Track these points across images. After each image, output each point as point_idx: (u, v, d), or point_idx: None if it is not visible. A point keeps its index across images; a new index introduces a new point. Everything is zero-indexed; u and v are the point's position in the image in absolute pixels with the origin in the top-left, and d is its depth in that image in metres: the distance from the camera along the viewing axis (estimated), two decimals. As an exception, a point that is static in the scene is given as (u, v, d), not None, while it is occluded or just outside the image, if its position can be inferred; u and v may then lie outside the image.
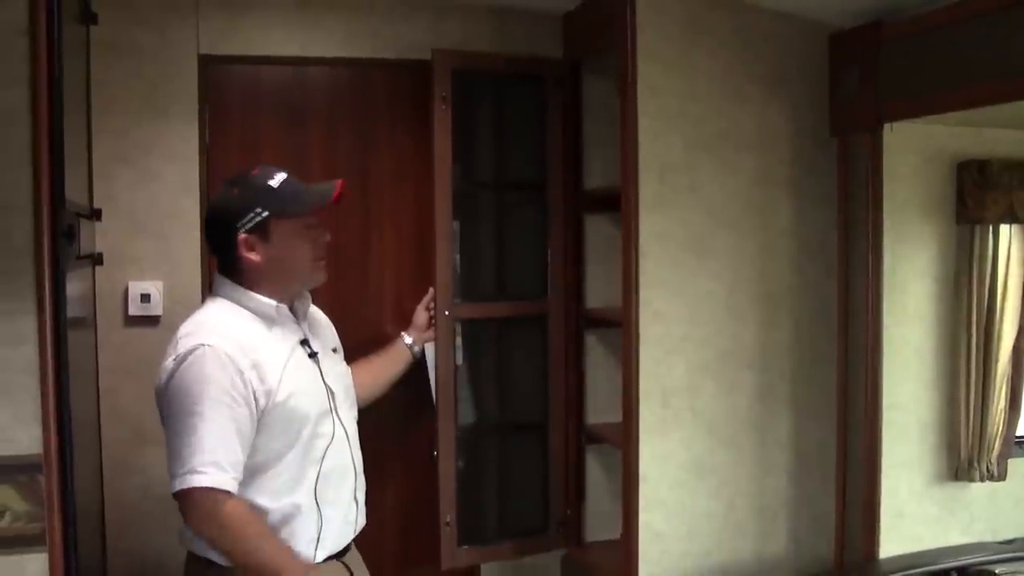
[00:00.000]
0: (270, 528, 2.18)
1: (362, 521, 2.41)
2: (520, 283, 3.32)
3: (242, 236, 2.25)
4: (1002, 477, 3.24)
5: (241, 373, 2.13)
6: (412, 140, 3.30)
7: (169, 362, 2.18)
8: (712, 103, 3.04)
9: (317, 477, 2.23)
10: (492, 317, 3.24)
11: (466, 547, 3.15)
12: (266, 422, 2.17)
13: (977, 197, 3.15)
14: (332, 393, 2.31)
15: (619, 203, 2.87)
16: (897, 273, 3.11)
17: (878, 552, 3.04)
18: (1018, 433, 3.33)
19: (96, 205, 2.93)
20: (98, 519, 2.98)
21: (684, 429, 3.04)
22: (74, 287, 2.27)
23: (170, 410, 2.15)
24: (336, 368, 2.42)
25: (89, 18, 2.76)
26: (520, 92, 3.29)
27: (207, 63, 3.12)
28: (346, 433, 2.34)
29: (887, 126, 2.96)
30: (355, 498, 2.35)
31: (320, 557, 2.25)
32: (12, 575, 1.94)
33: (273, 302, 2.26)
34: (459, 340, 3.12)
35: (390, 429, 3.23)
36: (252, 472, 2.18)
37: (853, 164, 3.09)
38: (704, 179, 3.03)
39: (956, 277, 3.22)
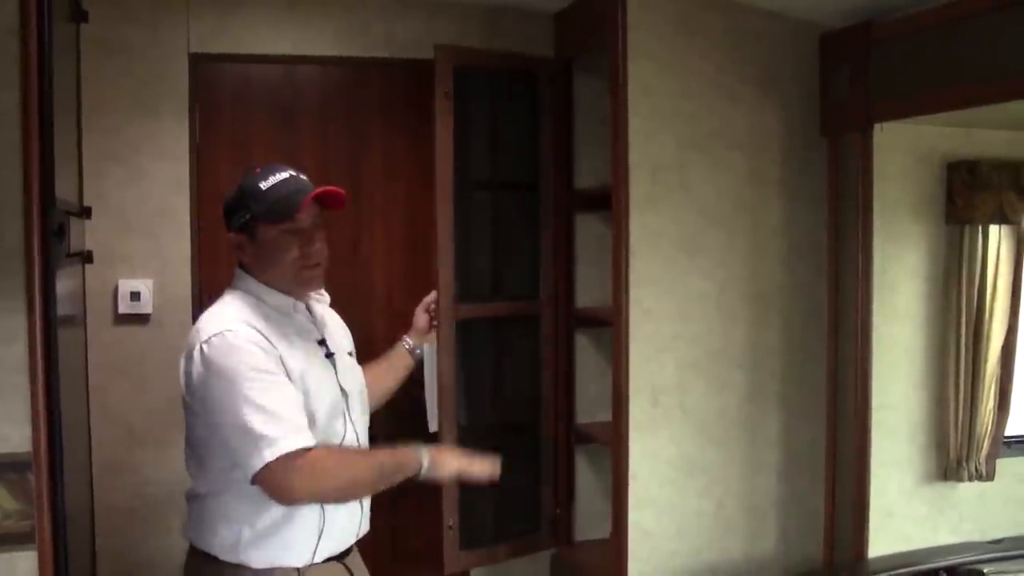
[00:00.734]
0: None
1: (366, 526, 2.34)
2: (513, 283, 3.32)
3: (231, 234, 2.23)
4: (991, 477, 3.26)
5: (267, 353, 2.07)
6: (404, 139, 3.30)
7: (194, 354, 2.09)
8: (704, 102, 3.04)
9: None
10: (486, 317, 3.23)
11: (465, 551, 3.14)
12: None
13: (967, 197, 3.16)
14: (346, 395, 2.27)
15: (610, 202, 2.87)
16: (887, 273, 3.12)
17: (867, 551, 3.06)
18: (1007, 433, 3.34)
19: (86, 203, 2.93)
20: (88, 517, 2.97)
21: (674, 428, 3.04)
22: (64, 285, 2.26)
23: (212, 400, 2.06)
24: (351, 371, 2.36)
25: (79, 16, 2.76)
26: (515, 90, 3.29)
27: (198, 61, 3.12)
28: (356, 436, 2.29)
29: (877, 126, 2.96)
30: (360, 503, 2.29)
31: (319, 558, 2.20)
32: (2, 573, 1.93)
33: (290, 299, 2.23)
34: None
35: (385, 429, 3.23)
36: None
37: (843, 164, 3.10)
38: (695, 178, 3.04)
39: (946, 277, 3.24)
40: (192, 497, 2.26)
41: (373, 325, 3.25)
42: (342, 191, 2.20)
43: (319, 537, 2.17)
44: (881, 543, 3.10)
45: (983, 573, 2.98)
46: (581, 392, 3.40)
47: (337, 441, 2.20)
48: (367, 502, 2.32)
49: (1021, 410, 3.53)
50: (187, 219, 3.12)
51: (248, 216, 2.16)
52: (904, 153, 3.14)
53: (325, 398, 2.18)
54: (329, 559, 2.23)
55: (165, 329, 3.11)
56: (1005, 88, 2.51)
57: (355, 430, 2.27)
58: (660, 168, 2.98)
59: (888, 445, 3.16)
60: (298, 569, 2.18)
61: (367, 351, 2.91)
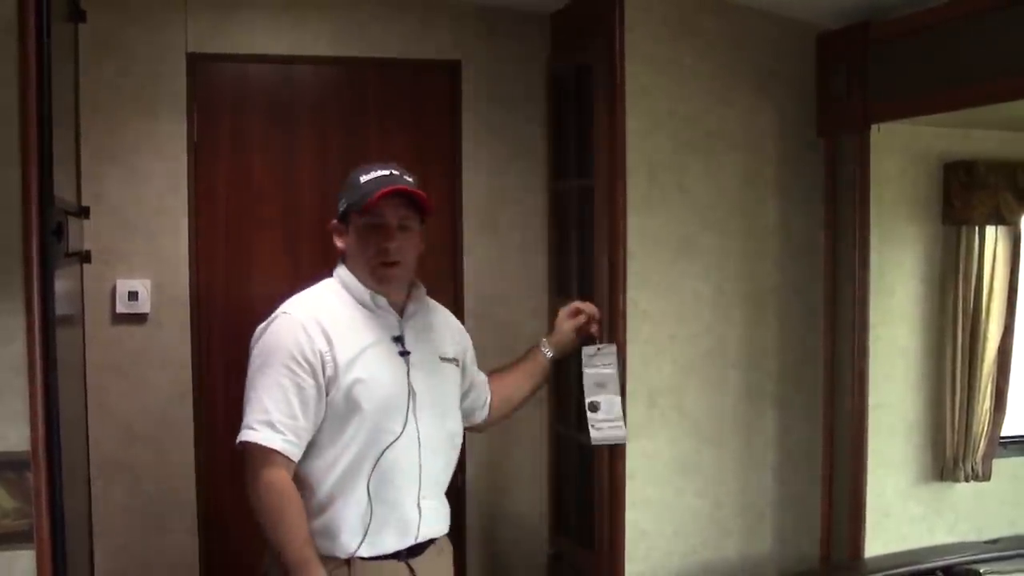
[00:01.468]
0: (304, 516, 2.17)
1: (429, 532, 2.31)
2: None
3: (332, 222, 2.35)
4: (987, 477, 3.27)
5: (311, 341, 2.16)
6: (401, 139, 3.30)
7: (258, 329, 2.26)
8: (701, 103, 3.05)
9: (372, 470, 2.20)
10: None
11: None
12: (332, 401, 2.18)
13: (964, 198, 3.17)
14: (414, 395, 2.26)
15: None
16: (884, 274, 3.13)
17: (864, 551, 3.06)
18: (1003, 433, 3.35)
19: (84, 203, 2.93)
20: (86, 516, 2.98)
21: (671, 428, 3.05)
22: (62, 285, 2.27)
23: (248, 371, 2.23)
24: (435, 374, 2.36)
25: (78, 16, 2.76)
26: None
27: (195, 61, 3.12)
28: (418, 437, 2.26)
29: (874, 127, 2.97)
30: (418, 505, 2.27)
31: (369, 552, 2.20)
32: (1, 572, 1.94)
33: (368, 291, 2.27)
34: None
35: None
36: (316, 447, 2.20)
37: (840, 165, 3.11)
38: (692, 179, 3.05)
39: (942, 278, 3.24)
40: None
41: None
42: (421, 193, 2.27)
43: (365, 531, 2.19)
44: (878, 543, 3.11)
45: (979, 573, 2.98)
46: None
47: (390, 438, 2.21)
48: (429, 505, 2.30)
49: (1017, 410, 3.54)
50: (185, 219, 3.13)
51: (345, 205, 2.28)
52: (901, 154, 3.15)
53: (381, 390, 2.21)
54: (386, 556, 2.23)
55: (163, 329, 3.12)
56: (1002, 88, 2.52)
57: (417, 430, 2.26)
58: (657, 169, 2.99)
59: (885, 445, 3.17)
60: (347, 561, 2.20)
61: (511, 361, 2.83)
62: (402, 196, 2.25)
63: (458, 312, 2.99)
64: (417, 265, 2.38)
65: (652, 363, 3.01)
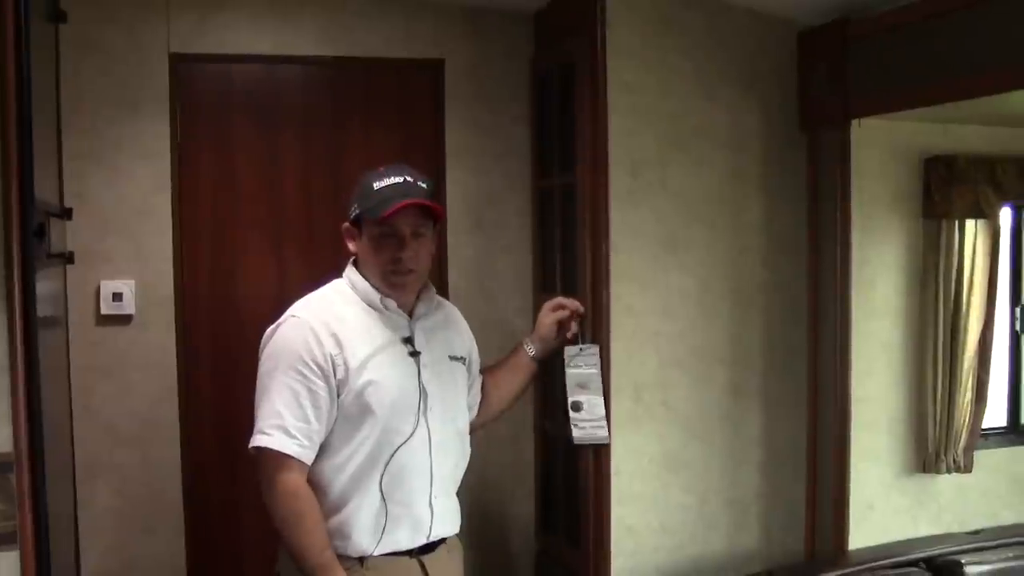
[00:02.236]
0: (322, 519, 2.17)
1: (442, 531, 2.33)
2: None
3: (344, 225, 2.33)
4: (969, 469, 3.29)
5: (321, 344, 2.16)
6: (386, 138, 3.30)
7: (267, 332, 2.25)
8: (684, 100, 3.05)
9: (384, 471, 2.20)
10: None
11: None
12: (344, 403, 2.18)
13: (944, 192, 3.20)
14: (425, 395, 2.27)
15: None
16: (866, 268, 3.15)
17: (848, 544, 3.08)
18: (984, 425, 3.38)
19: (67, 204, 2.92)
20: (71, 518, 2.97)
21: (657, 424, 3.06)
22: (45, 286, 2.26)
23: (259, 375, 2.22)
24: (445, 375, 2.36)
25: (58, 16, 2.76)
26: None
27: (178, 61, 3.11)
28: (429, 437, 2.27)
29: (855, 122, 2.99)
30: (430, 504, 2.28)
31: (382, 550, 2.22)
32: (-16, 574, 1.94)
33: (378, 294, 2.27)
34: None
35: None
36: (328, 448, 2.21)
37: (822, 160, 3.12)
38: (676, 175, 3.05)
39: (923, 271, 3.27)
40: None
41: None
42: (436, 205, 2.28)
43: (382, 531, 2.21)
44: (862, 535, 3.13)
45: (961, 564, 3.01)
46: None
47: (401, 439, 2.22)
48: (440, 504, 2.31)
49: (998, 402, 3.57)
50: (169, 219, 3.12)
51: (358, 211, 2.27)
52: (882, 149, 3.17)
53: (393, 392, 2.21)
54: (398, 553, 2.24)
55: (148, 329, 3.11)
56: (979, 84, 2.54)
57: (428, 430, 2.26)
58: (641, 165, 2.99)
59: (868, 438, 3.19)
60: (360, 559, 2.21)
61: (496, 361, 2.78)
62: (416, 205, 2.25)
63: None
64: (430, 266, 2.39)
65: (637, 358, 3.01)
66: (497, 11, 3.33)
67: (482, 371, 2.64)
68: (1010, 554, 3.10)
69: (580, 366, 2.87)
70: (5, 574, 1.93)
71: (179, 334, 3.15)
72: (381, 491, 2.21)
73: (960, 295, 3.25)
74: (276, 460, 2.13)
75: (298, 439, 2.13)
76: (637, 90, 2.98)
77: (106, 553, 3.09)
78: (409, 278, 2.28)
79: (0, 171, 1.87)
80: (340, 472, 2.20)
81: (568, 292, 3.01)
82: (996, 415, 3.58)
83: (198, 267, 3.19)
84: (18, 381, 1.90)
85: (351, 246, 2.33)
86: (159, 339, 3.13)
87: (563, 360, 2.82)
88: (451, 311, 2.53)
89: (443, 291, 3.31)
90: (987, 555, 3.08)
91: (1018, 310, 3.58)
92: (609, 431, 2.87)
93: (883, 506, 3.23)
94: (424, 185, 2.27)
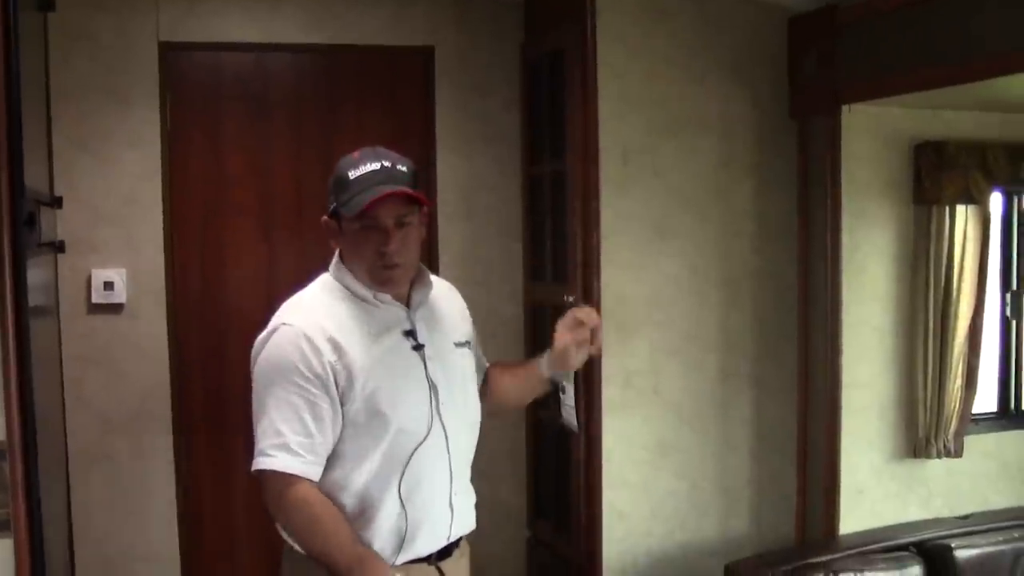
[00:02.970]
0: (343, 517, 2.00)
1: (460, 529, 2.19)
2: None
3: (323, 219, 2.12)
4: (959, 454, 3.31)
5: (319, 352, 1.98)
6: (377, 125, 3.30)
7: (257, 341, 2.05)
8: (674, 86, 3.07)
9: (402, 476, 2.04)
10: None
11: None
12: (350, 411, 2.02)
13: (934, 178, 3.20)
14: (435, 390, 2.10)
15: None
16: (856, 254, 3.16)
17: (838, 528, 3.11)
18: (974, 410, 3.39)
19: (57, 193, 2.91)
20: (65, 506, 2.98)
21: (648, 410, 3.08)
22: (36, 275, 2.26)
23: (254, 390, 2.04)
24: (452, 363, 2.18)
25: (46, 5, 2.74)
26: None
27: (167, 50, 3.10)
28: (445, 434, 2.11)
29: (845, 108, 3.00)
30: (450, 504, 2.13)
31: (402, 559, 2.06)
32: (-22, 562, 1.94)
33: (369, 290, 2.07)
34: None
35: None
36: (338, 460, 2.04)
37: (812, 146, 3.14)
38: (666, 162, 3.07)
39: (914, 257, 3.28)
40: None
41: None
42: (417, 194, 2.04)
43: (402, 540, 2.06)
44: (852, 520, 3.16)
45: (951, 548, 3.03)
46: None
47: (417, 440, 2.05)
48: (460, 502, 2.17)
49: (988, 388, 3.58)
50: (159, 208, 3.12)
51: (335, 204, 2.06)
52: (872, 135, 3.18)
53: (406, 394, 2.06)
54: (417, 560, 2.09)
55: (139, 318, 3.11)
56: (969, 70, 2.55)
57: (443, 426, 2.10)
58: (630, 152, 3.01)
59: (858, 424, 3.20)
60: None
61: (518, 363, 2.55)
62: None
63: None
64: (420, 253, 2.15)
65: (628, 345, 3.03)
66: (488, -2, 3.33)
67: (497, 365, 2.44)
68: (999, 538, 3.14)
69: None
70: (0, 561, 1.94)
71: (170, 323, 3.15)
72: (400, 499, 2.04)
73: (951, 281, 3.26)
74: (281, 481, 1.96)
75: (302, 456, 1.97)
76: (627, 77, 2.99)
77: (100, 541, 3.10)
78: (397, 272, 2.07)
79: (-10, 161, 1.87)
80: (354, 483, 2.04)
81: (559, 279, 3.02)
82: (986, 400, 3.60)
83: (189, 255, 3.19)
84: (10, 371, 1.90)
85: (333, 242, 2.12)
86: (150, 328, 3.13)
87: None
88: (448, 292, 2.31)
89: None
90: (976, 539, 3.11)
91: (1008, 296, 3.59)
92: (578, 421, 2.87)
93: (873, 491, 3.25)
94: (404, 169, 2.05)
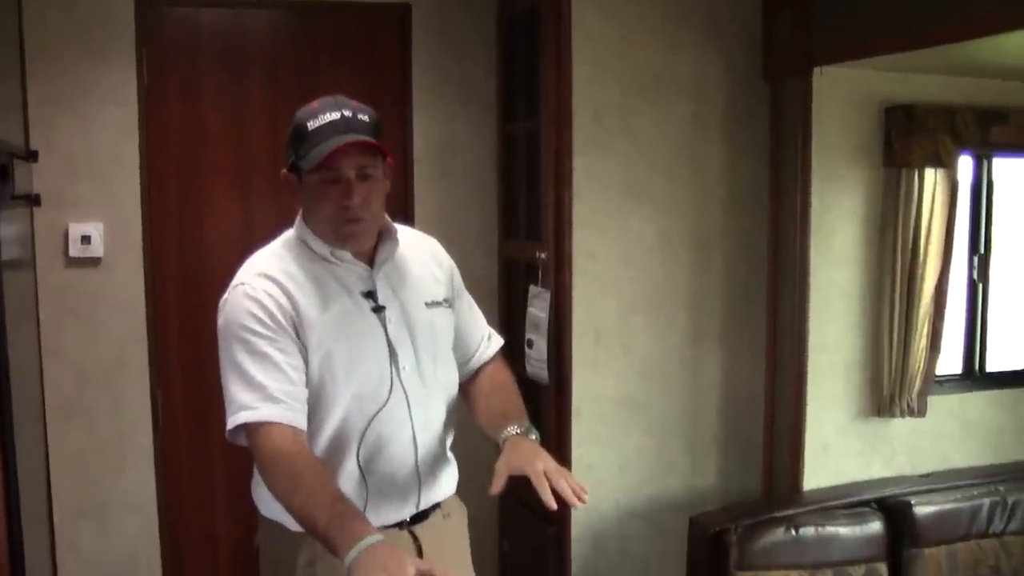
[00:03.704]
0: (326, 473, 1.86)
1: (432, 497, 2.09)
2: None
3: (282, 172, 1.99)
4: (922, 413, 3.36)
5: (279, 305, 1.89)
6: (354, 83, 3.31)
7: (220, 304, 1.95)
8: (647, 48, 3.08)
9: (360, 443, 1.95)
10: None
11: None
12: (308, 374, 1.92)
13: (903, 141, 3.22)
14: (395, 355, 1.98)
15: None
16: (826, 216, 3.19)
17: (803, 484, 3.17)
18: (938, 371, 3.45)
19: (33, 147, 2.93)
20: (42, 458, 3.02)
21: (617, 367, 3.12)
22: (10, 228, 2.29)
23: (220, 351, 1.92)
24: (419, 325, 2.04)
25: (20, -41, 2.75)
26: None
27: (144, 5, 3.11)
28: (407, 401, 2.00)
29: (816, 70, 3.02)
30: (417, 471, 2.03)
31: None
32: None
33: (328, 247, 1.96)
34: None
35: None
36: None
37: (784, 109, 3.16)
38: (639, 124, 3.09)
39: (882, 220, 3.31)
40: None
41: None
42: (378, 144, 1.92)
43: (364, 507, 1.93)
44: (817, 477, 3.22)
45: (911, 504, 3.10)
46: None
47: (376, 407, 1.95)
48: (428, 470, 2.07)
49: (954, 350, 3.64)
50: (137, 163, 3.14)
51: (293, 157, 1.95)
52: (843, 98, 3.19)
53: (363, 356, 1.96)
54: (387, 527, 1.97)
55: (116, 272, 3.15)
56: (943, 32, 2.57)
57: (405, 392, 1.99)
58: (603, 113, 3.02)
59: (824, 383, 3.25)
60: None
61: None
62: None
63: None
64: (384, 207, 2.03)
65: (598, 303, 3.07)
66: (465, -44, 3.33)
67: (484, 374, 2.29)
68: (958, 495, 3.20)
69: (535, 307, 2.94)
70: (-27, 510, 1.99)
71: (148, 276, 3.19)
72: (359, 465, 1.96)
73: (918, 244, 3.29)
74: (260, 432, 1.83)
75: (285, 402, 1.85)
76: (600, 38, 3.00)
77: (77, 492, 3.15)
78: (360, 227, 1.95)
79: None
80: (321, 451, 1.93)
81: (532, 237, 3.07)
82: (952, 362, 3.65)
83: (166, 210, 3.22)
84: (-19, 320, 1.94)
85: (291, 198, 1.99)
86: (128, 281, 3.17)
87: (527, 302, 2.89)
88: (422, 244, 2.17)
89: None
90: (936, 496, 3.17)
91: (976, 259, 3.64)
92: (549, 374, 2.94)
93: (838, 448, 3.30)
94: (366, 118, 1.93)
